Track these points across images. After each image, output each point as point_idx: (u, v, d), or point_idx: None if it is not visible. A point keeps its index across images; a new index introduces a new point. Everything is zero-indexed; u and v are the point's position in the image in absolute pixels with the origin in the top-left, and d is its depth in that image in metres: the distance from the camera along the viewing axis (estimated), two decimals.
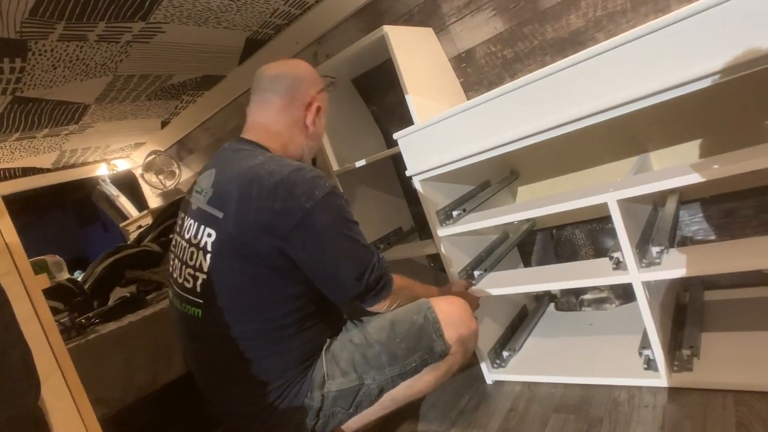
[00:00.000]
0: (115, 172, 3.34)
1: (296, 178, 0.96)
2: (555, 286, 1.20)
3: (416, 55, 1.53)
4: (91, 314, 1.50)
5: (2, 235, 0.67)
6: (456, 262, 1.35)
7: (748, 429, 0.88)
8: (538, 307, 1.67)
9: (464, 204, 1.40)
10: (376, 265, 1.02)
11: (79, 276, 2.19)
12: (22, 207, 3.20)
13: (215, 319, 0.98)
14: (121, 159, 3.31)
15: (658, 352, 1.07)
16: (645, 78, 0.91)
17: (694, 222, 1.39)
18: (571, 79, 0.99)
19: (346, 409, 1.02)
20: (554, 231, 1.65)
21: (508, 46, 1.55)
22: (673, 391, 1.06)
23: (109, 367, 1.29)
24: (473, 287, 1.30)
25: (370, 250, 1.02)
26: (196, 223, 1.01)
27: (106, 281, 1.80)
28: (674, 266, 0.99)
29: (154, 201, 3.54)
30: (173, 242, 1.11)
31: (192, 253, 1.01)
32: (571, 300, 1.61)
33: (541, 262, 1.72)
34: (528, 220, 1.64)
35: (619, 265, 1.07)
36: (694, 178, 0.91)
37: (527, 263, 1.76)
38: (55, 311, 1.56)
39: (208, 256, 0.97)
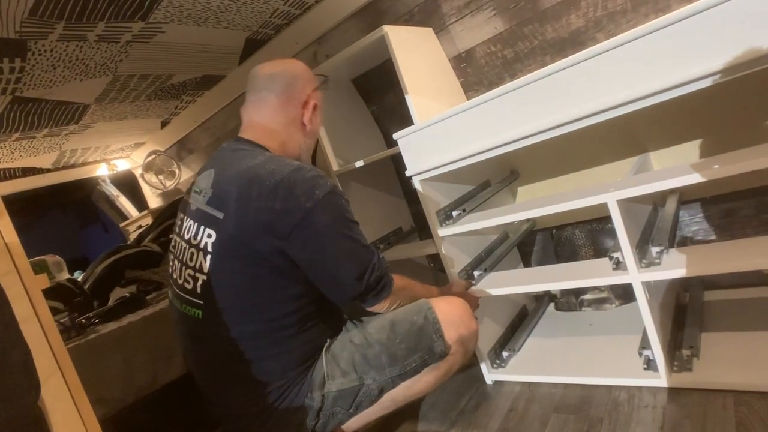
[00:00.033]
0: (115, 172, 3.34)
1: (296, 178, 0.96)
2: (555, 286, 1.20)
3: (416, 55, 1.53)
4: (91, 314, 1.50)
5: (2, 235, 0.67)
6: (456, 262, 1.35)
7: (748, 429, 0.88)
8: (538, 308, 1.67)
9: (464, 204, 1.40)
10: (377, 265, 1.02)
11: (79, 276, 2.19)
12: (22, 207, 3.20)
13: (215, 319, 0.98)
14: (121, 159, 3.31)
15: (658, 353, 1.07)
16: (645, 78, 0.91)
17: (694, 222, 1.39)
18: (571, 79, 0.99)
19: (346, 409, 1.02)
20: (554, 231, 1.65)
21: (508, 46, 1.55)
22: (673, 391, 1.06)
23: (109, 367, 1.29)
24: (473, 287, 1.30)
25: (370, 250, 1.02)
26: (196, 224, 1.01)
27: (106, 281, 1.80)
28: (674, 266, 0.99)
29: (154, 201, 3.54)
30: (172, 243, 1.11)
31: (192, 254, 1.01)
32: (571, 300, 1.61)
33: (541, 263, 1.72)
34: (528, 220, 1.64)
35: (619, 265, 1.07)
36: (694, 178, 0.91)
37: (527, 263, 1.76)
38: (55, 311, 1.56)
39: (209, 256, 0.97)
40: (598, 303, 1.55)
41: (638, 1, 1.30)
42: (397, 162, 1.93)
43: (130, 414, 1.33)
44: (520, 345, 1.46)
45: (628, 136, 1.38)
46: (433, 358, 1.04)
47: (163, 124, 2.78)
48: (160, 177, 3.15)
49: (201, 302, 0.99)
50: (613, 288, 1.52)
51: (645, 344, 1.10)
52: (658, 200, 1.38)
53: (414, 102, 1.41)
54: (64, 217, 4.07)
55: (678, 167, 1.01)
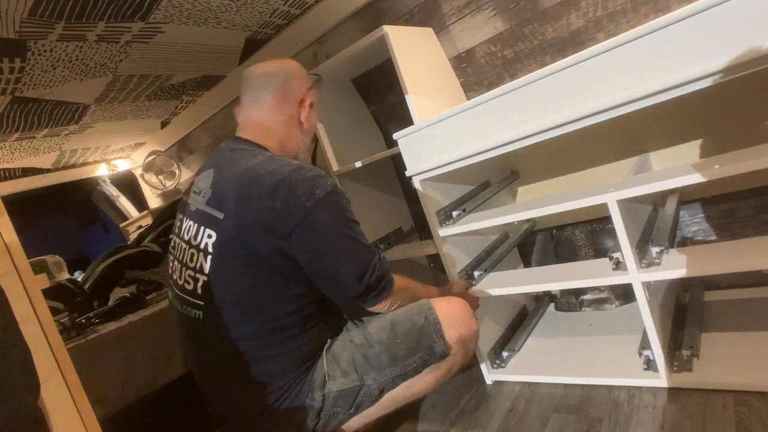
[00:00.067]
0: (115, 172, 3.34)
1: (297, 178, 0.96)
2: (555, 287, 1.20)
3: (416, 55, 1.53)
4: (91, 314, 1.50)
5: (1, 236, 0.67)
6: (456, 262, 1.35)
7: (748, 429, 0.88)
8: (538, 308, 1.67)
9: (464, 204, 1.40)
10: (377, 265, 1.01)
11: (79, 276, 2.19)
12: (23, 207, 3.20)
13: (216, 320, 0.98)
14: (121, 159, 3.31)
15: (657, 353, 1.07)
16: (645, 78, 0.91)
17: (694, 222, 1.39)
18: (571, 79, 0.99)
19: (346, 409, 1.02)
20: (554, 231, 1.65)
21: (509, 46, 1.55)
22: (673, 392, 1.06)
23: (109, 367, 1.29)
24: (473, 287, 1.30)
25: (371, 250, 1.02)
26: (196, 225, 1.01)
27: (106, 281, 1.80)
28: (674, 266, 0.99)
29: (154, 201, 3.54)
30: (171, 244, 1.11)
31: (192, 254, 1.01)
32: (571, 300, 1.61)
33: (541, 263, 1.72)
34: (528, 220, 1.64)
35: (618, 265, 1.07)
36: (694, 179, 0.91)
37: (527, 263, 1.76)
38: (55, 311, 1.56)
39: (209, 257, 0.97)
40: (598, 303, 1.55)
41: (638, 1, 1.30)
42: (397, 162, 1.93)
43: (130, 414, 1.33)
44: (520, 345, 1.46)
45: (628, 136, 1.38)
46: (434, 358, 1.04)
47: (163, 125, 2.78)
48: (160, 177, 3.15)
49: (201, 303, 0.99)
50: (613, 288, 1.52)
51: (645, 344, 1.10)
52: (658, 200, 1.38)
53: (414, 102, 1.41)
54: (64, 217, 4.07)
55: (678, 167, 1.01)
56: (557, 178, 1.58)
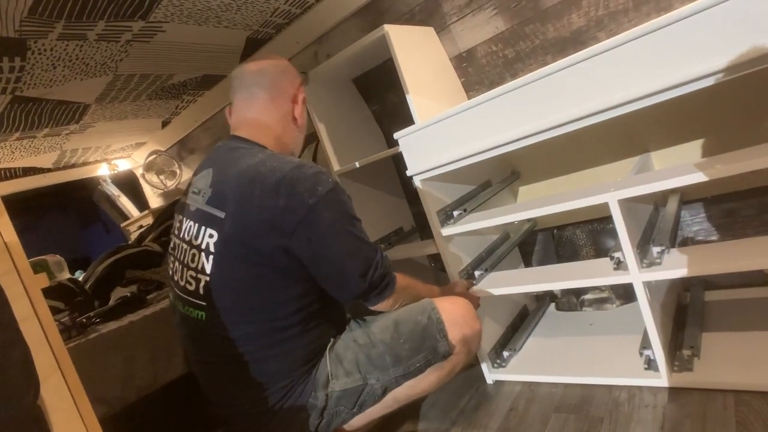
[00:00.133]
0: (116, 172, 3.34)
1: (298, 175, 0.95)
2: (556, 286, 1.20)
3: (417, 54, 1.52)
4: (92, 314, 1.51)
5: (1, 235, 0.67)
6: (457, 262, 1.35)
7: (748, 429, 0.88)
8: (538, 307, 1.67)
9: (465, 204, 1.40)
10: (380, 262, 1.01)
11: (80, 276, 2.19)
12: (24, 207, 3.20)
13: (219, 321, 0.98)
14: (122, 159, 3.31)
15: (658, 352, 1.07)
16: (646, 77, 0.90)
17: (695, 222, 1.39)
18: (573, 78, 0.99)
19: (349, 408, 1.02)
20: (555, 231, 1.65)
21: (510, 46, 1.55)
22: (674, 391, 1.06)
23: (110, 367, 1.30)
24: (474, 287, 1.30)
25: (373, 247, 1.02)
26: (197, 225, 1.01)
27: (107, 281, 1.80)
28: (675, 266, 0.99)
29: (155, 201, 3.54)
30: (171, 245, 1.10)
31: (193, 255, 1.00)
32: (571, 300, 1.60)
33: (542, 262, 1.72)
34: (529, 220, 1.64)
35: (619, 265, 1.07)
36: (696, 178, 0.91)
37: (528, 263, 1.76)
38: (56, 311, 1.57)
39: (211, 257, 0.97)
40: (599, 303, 1.55)
41: (640, 0, 1.29)
42: (397, 162, 1.93)
43: (131, 413, 1.33)
44: (521, 345, 1.46)
45: (629, 135, 1.37)
46: (437, 357, 1.04)
47: (164, 124, 2.78)
48: (161, 177, 3.15)
49: (204, 303, 0.99)
50: (614, 288, 1.52)
51: (646, 344, 1.10)
52: (659, 200, 1.37)
53: (415, 101, 1.41)
54: (65, 217, 4.08)
55: (679, 167, 1.01)
56: (558, 177, 1.57)
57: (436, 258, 1.87)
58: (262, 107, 1.12)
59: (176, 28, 1.58)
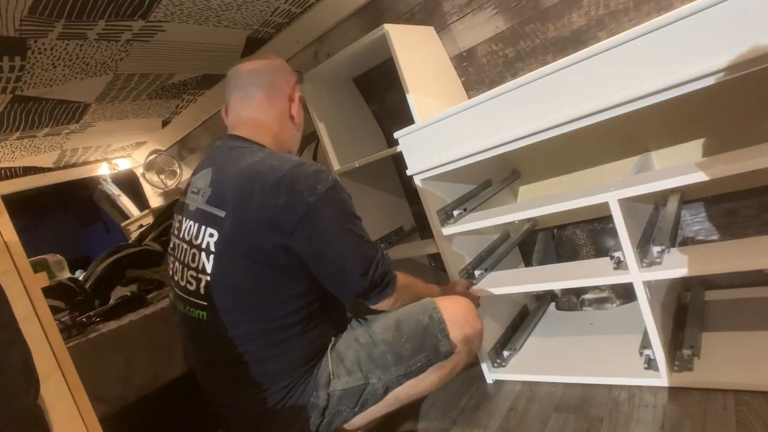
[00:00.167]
0: (116, 171, 3.34)
1: (298, 173, 0.95)
2: (556, 286, 1.20)
3: (417, 54, 1.52)
4: (92, 313, 1.51)
5: (1, 234, 0.67)
6: (457, 261, 1.35)
7: (748, 429, 0.88)
8: (538, 307, 1.67)
9: (465, 203, 1.40)
10: (381, 261, 1.01)
11: (80, 275, 2.19)
12: (24, 206, 3.21)
13: (220, 321, 0.97)
14: (122, 158, 3.31)
15: (658, 352, 1.07)
16: (647, 77, 0.90)
17: (695, 222, 1.39)
18: (573, 78, 0.99)
19: (351, 407, 1.02)
20: (555, 231, 1.65)
21: (510, 45, 1.55)
22: (674, 391, 1.06)
23: (110, 366, 1.30)
24: (474, 287, 1.30)
25: (374, 245, 1.02)
26: (197, 224, 1.00)
27: (107, 280, 1.81)
28: (675, 266, 0.99)
29: (155, 200, 3.54)
30: (171, 245, 1.10)
31: (194, 254, 1.00)
32: (571, 299, 1.60)
33: (542, 262, 1.72)
34: (529, 219, 1.64)
35: (620, 264, 1.07)
36: (696, 178, 0.91)
37: (528, 263, 1.76)
38: (56, 310, 1.57)
39: (211, 256, 0.97)
40: (599, 302, 1.55)
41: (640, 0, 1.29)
42: (398, 161, 1.93)
43: (131, 413, 1.33)
44: (521, 344, 1.46)
45: (629, 135, 1.37)
46: (439, 357, 1.04)
47: (164, 124, 2.78)
48: (162, 176, 3.15)
49: (205, 303, 0.98)
50: (614, 287, 1.52)
51: (646, 344, 1.10)
52: (659, 200, 1.37)
53: (415, 101, 1.41)
54: (65, 216, 4.09)
55: (679, 167, 1.01)
56: (558, 177, 1.57)
57: (436, 257, 1.87)
58: (259, 106, 1.12)
59: (176, 27, 1.58)
